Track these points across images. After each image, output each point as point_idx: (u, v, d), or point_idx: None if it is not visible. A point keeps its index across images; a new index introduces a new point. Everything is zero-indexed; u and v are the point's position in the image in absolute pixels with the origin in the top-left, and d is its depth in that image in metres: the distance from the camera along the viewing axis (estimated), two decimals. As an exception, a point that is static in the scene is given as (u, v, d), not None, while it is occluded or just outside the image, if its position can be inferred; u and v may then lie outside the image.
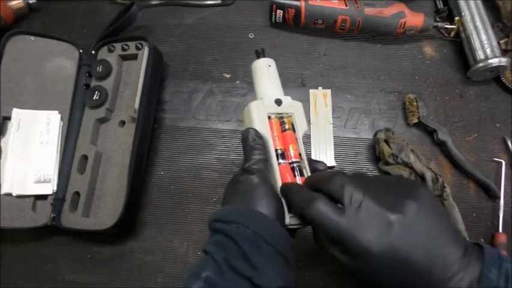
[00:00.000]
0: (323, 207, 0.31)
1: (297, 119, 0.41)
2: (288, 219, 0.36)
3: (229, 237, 0.32)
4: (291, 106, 0.41)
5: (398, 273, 0.29)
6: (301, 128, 0.41)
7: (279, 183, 0.38)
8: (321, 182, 0.34)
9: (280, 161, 0.39)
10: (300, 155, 0.40)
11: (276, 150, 0.39)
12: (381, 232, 0.29)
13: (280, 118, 0.41)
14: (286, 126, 0.40)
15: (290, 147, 0.39)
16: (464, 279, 0.29)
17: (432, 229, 0.30)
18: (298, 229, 0.37)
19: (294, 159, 0.39)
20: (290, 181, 0.38)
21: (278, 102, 0.41)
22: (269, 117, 0.40)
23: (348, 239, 0.30)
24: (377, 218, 0.29)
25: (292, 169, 0.39)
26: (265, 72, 0.43)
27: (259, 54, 0.45)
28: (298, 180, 0.38)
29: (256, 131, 0.39)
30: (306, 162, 0.39)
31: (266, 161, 0.38)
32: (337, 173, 0.33)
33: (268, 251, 0.32)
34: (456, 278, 0.29)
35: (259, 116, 0.40)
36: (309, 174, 0.39)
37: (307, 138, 0.58)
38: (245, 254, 0.31)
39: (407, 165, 0.53)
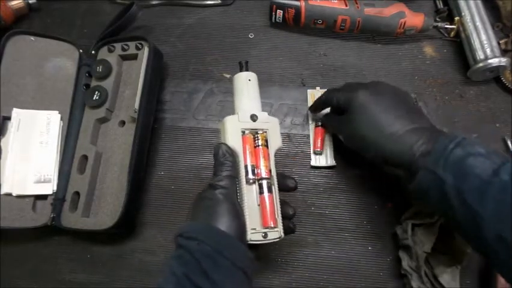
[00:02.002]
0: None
1: (271, 135, 0.42)
2: (249, 236, 0.38)
3: (189, 253, 0.34)
4: (267, 122, 0.42)
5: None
6: (274, 144, 0.42)
7: (245, 200, 0.39)
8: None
9: (250, 176, 0.40)
10: (270, 171, 0.40)
11: (246, 166, 0.40)
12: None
13: (255, 134, 0.41)
14: (260, 142, 0.41)
15: (261, 163, 0.40)
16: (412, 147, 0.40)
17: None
18: (260, 245, 0.39)
19: (264, 176, 0.40)
20: (269, 209, 0.39)
21: (253, 117, 0.42)
22: (243, 133, 0.41)
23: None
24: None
25: (260, 186, 0.40)
26: (244, 87, 0.44)
27: (242, 67, 0.45)
28: (267, 197, 0.40)
29: (227, 146, 0.40)
30: (275, 179, 0.41)
31: (234, 177, 0.40)
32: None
33: (226, 266, 0.34)
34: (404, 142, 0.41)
35: (232, 131, 0.41)
36: (277, 191, 0.41)
37: (306, 137, 0.58)
38: (204, 270, 0.33)
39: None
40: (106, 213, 0.54)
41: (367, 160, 0.47)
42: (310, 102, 0.60)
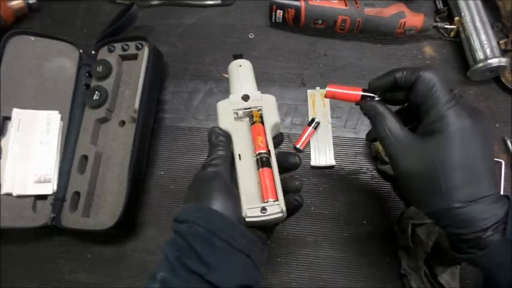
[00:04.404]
0: None
1: (266, 112, 0.41)
2: (245, 212, 0.35)
3: (181, 237, 0.32)
4: (260, 100, 0.42)
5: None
6: (270, 120, 0.41)
7: (242, 180, 0.37)
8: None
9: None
10: (267, 146, 0.39)
11: (258, 153, 0.38)
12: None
13: (250, 114, 0.41)
14: (254, 119, 0.41)
15: (258, 139, 0.39)
16: (488, 212, 0.32)
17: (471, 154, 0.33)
18: (260, 223, 0.35)
19: (261, 151, 0.38)
20: (268, 183, 0.36)
21: (245, 97, 0.42)
22: (237, 114, 0.41)
23: None
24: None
25: (257, 160, 0.38)
26: (235, 72, 0.45)
27: (235, 57, 0.46)
28: (265, 171, 0.37)
29: (219, 128, 0.40)
30: (273, 153, 0.38)
31: (227, 157, 0.38)
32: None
33: (222, 247, 0.31)
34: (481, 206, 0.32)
35: (224, 113, 0.41)
36: (276, 165, 0.38)
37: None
38: (197, 253, 0.30)
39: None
40: (106, 213, 0.54)
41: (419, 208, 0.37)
42: (310, 102, 0.60)
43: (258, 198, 0.36)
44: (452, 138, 0.32)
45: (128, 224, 0.55)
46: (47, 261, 0.55)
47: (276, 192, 0.36)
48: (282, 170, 0.38)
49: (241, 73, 0.45)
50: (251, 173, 0.38)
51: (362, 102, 0.39)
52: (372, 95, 0.40)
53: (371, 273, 0.52)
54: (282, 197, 0.36)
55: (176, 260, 0.31)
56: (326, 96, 0.42)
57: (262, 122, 0.40)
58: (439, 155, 0.33)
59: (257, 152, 0.38)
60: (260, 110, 0.41)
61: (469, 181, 0.32)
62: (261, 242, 0.35)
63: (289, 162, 0.39)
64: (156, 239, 0.55)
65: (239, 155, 0.39)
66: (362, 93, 0.40)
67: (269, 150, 0.38)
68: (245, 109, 0.41)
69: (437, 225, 0.38)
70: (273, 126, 0.41)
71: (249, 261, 0.32)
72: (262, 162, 0.37)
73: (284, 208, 0.35)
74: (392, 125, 0.36)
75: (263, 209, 0.35)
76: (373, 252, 0.53)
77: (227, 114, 0.41)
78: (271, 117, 0.41)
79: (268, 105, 0.42)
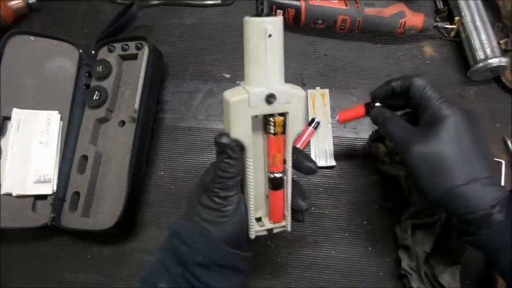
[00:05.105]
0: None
1: (291, 118, 0.32)
2: (253, 233, 0.36)
3: (181, 259, 0.35)
4: (288, 103, 0.31)
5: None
6: (294, 130, 0.33)
7: (250, 191, 0.34)
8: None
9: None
10: (284, 161, 0.33)
11: (273, 172, 0.33)
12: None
13: (269, 116, 0.32)
14: (272, 130, 0.31)
15: (275, 156, 0.32)
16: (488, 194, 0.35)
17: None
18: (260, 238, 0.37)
19: (275, 171, 0.33)
20: (278, 206, 0.36)
21: (270, 99, 0.30)
22: (255, 117, 0.31)
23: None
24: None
25: (271, 180, 0.34)
26: (261, 47, 0.29)
27: (261, 9, 0.30)
28: (277, 193, 0.34)
29: (231, 140, 0.32)
30: (289, 172, 0.34)
31: (240, 178, 0.34)
32: None
33: (219, 271, 0.35)
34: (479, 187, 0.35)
35: (239, 119, 0.30)
36: (290, 183, 0.35)
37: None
38: (196, 276, 0.34)
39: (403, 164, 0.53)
40: (106, 213, 0.54)
41: (424, 197, 0.39)
42: (310, 102, 0.60)
43: (265, 212, 0.37)
44: (448, 126, 0.37)
45: (128, 224, 0.55)
46: (47, 261, 0.55)
47: (284, 214, 0.36)
48: (298, 171, 0.37)
49: (270, 51, 0.29)
50: (262, 186, 0.35)
51: (371, 110, 0.45)
52: (376, 104, 0.44)
53: (371, 273, 0.52)
54: (290, 217, 0.36)
55: (180, 276, 0.34)
56: (338, 122, 0.49)
57: (284, 132, 0.32)
58: (439, 140, 0.37)
59: (272, 171, 0.33)
60: (284, 116, 0.32)
61: (467, 162, 0.36)
62: (250, 254, 0.38)
63: (307, 170, 0.38)
64: (156, 239, 0.55)
65: (251, 167, 0.33)
66: (366, 102, 0.45)
67: (286, 169, 0.34)
68: (267, 115, 0.31)
69: (444, 211, 0.41)
70: (295, 136, 0.33)
71: (240, 275, 0.36)
72: (276, 184, 0.33)
73: (289, 228, 0.37)
74: (399, 121, 0.41)
75: (270, 230, 0.36)
76: (373, 252, 0.53)
77: (243, 120, 0.30)
78: (296, 125, 0.32)
79: (295, 107, 0.32)
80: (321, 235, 0.54)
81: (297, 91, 0.32)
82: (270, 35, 0.29)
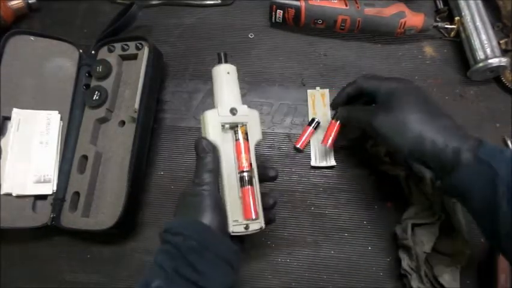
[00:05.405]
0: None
1: (251, 128, 0.42)
2: (232, 228, 0.39)
3: (176, 248, 0.36)
4: (246, 115, 0.42)
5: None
6: (254, 137, 0.43)
7: (227, 193, 0.40)
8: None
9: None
10: (251, 164, 0.41)
11: (242, 171, 0.41)
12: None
13: (235, 127, 0.42)
14: (240, 136, 0.41)
15: (243, 156, 0.41)
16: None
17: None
18: (242, 235, 0.41)
19: (245, 169, 0.41)
20: (251, 202, 0.40)
21: (233, 111, 0.42)
22: (223, 127, 0.41)
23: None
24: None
25: (242, 178, 0.41)
26: (224, 80, 0.43)
27: (221, 59, 0.44)
28: (248, 189, 0.40)
29: (207, 141, 0.41)
30: (255, 172, 0.42)
31: (216, 171, 0.41)
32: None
33: (212, 258, 0.36)
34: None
35: (212, 126, 0.41)
36: (257, 183, 0.42)
37: (307, 138, 0.58)
38: (191, 263, 0.35)
39: (403, 164, 0.53)
40: (106, 213, 0.54)
41: (398, 155, 0.48)
42: (310, 102, 0.60)
43: (241, 213, 0.41)
44: (397, 93, 0.44)
45: (128, 224, 0.55)
46: (47, 261, 0.56)
47: (257, 211, 0.41)
48: (261, 181, 0.43)
49: (230, 82, 0.43)
50: (235, 189, 0.41)
51: (337, 116, 0.53)
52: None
53: (370, 273, 0.52)
54: (262, 214, 0.42)
55: (172, 270, 0.35)
56: (329, 148, 0.56)
57: (247, 139, 0.41)
58: (391, 105, 0.44)
59: (241, 170, 0.41)
60: (245, 125, 0.42)
61: (427, 112, 0.43)
62: (240, 250, 0.40)
63: (268, 176, 0.45)
64: (156, 239, 0.55)
65: (225, 171, 0.41)
66: (332, 117, 0.54)
67: (252, 169, 0.41)
68: (231, 123, 0.42)
69: (418, 162, 0.44)
70: (256, 143, 0.43)
71: (231, 269, 0.37)
72: (246, 180, 0.40)
73: (264, 225, 0.41)
74: (359, 107, 0.51)
75: (246, 226, 0.40)
76: (373, 252, 0.53)
77: (215, 126, 0.41)
78: (256, 134, 0.43)
79: (253, 121, 0.43)
80: (320, 235, 0.54)
81: (252, 109, 0.43)
82: (228, 73, 0.43)
